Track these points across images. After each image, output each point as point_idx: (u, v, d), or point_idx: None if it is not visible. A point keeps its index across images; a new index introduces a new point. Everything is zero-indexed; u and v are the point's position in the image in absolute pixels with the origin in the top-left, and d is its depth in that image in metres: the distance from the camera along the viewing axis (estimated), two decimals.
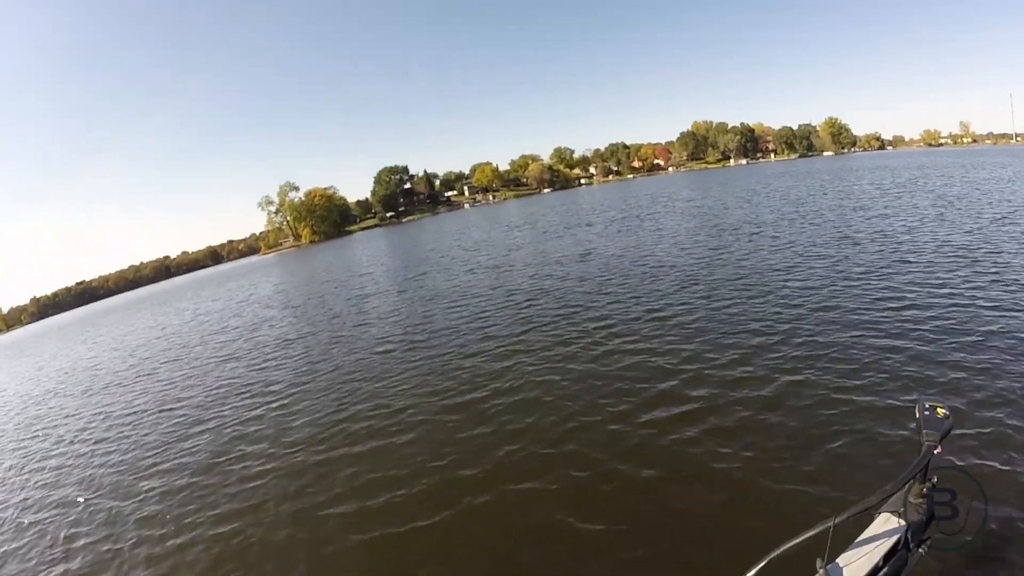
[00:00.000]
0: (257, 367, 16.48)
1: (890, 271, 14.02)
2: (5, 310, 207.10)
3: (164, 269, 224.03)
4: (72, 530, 8.89)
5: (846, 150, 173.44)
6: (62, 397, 20.62)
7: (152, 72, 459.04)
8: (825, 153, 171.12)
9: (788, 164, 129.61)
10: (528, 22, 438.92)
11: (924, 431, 2.49)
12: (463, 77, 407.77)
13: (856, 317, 10.86)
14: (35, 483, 11.77)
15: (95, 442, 13.34)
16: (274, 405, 12.48)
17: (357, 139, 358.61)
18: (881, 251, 16.47)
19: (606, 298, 15.91)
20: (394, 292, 25.60)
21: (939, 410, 2.50)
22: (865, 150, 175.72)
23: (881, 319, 10.51)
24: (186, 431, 12.26)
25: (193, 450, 11.03)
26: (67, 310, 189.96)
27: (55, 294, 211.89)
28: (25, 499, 11.00)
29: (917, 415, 2.52)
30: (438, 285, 24.66)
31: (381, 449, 8.90)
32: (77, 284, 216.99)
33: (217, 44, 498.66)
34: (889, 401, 7.40)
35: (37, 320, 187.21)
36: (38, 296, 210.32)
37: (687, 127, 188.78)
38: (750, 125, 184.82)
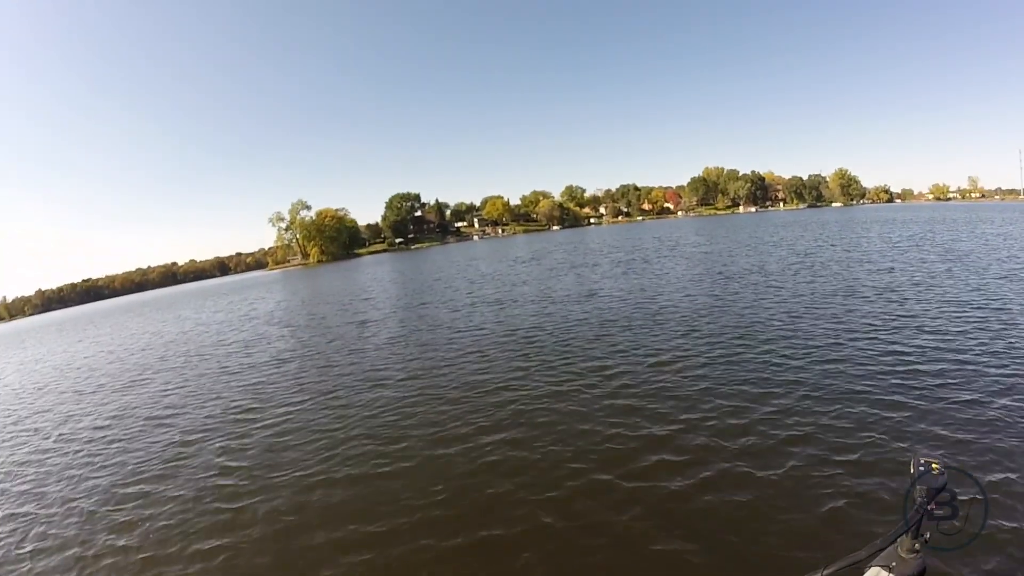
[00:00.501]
0: (250, 385, 16.33)
1: (896, 325, 13.86)
2: (10, 299, 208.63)
3: (171, 275, 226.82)
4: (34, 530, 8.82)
5: (855, 201, 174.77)
6: (52, 393, 20.68)
7: (172, 82, 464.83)
8: (834, 204, 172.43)
9: (797, 213, 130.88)
10: (546, 61, 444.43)
11: (917, 486, 2.42)
12: (478, 111, 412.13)
13: (859, 372, 10.68)
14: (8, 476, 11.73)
15: (74, 442, 13.39)
16: (259, 426, 12.32)
17: (369, 163, 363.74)
18: (887, 306, 16.28)
19: (606, 341, 15.74)
20: (395, 320, 25.50)
21: (934, 465, 2.42)
22: (874, 202, 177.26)
23: (885, 375, 10.34)
24: (168, 445, 12.06)
25: (173, 465, 10.84)
26: (71, 306, 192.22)
27: (60, 289, 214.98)
28: None
29: (912, 469, 2.44)
30: (440, 316, 24.57)
31: (362, 479, 8.75)
32: (83, 282, 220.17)
33: (238, 59, 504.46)
34: (890, 458, 7.29)
35: (40, 312, 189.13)
36: (43, 289, 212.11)
37: (698, 172, 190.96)
38: (760, 173, 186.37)
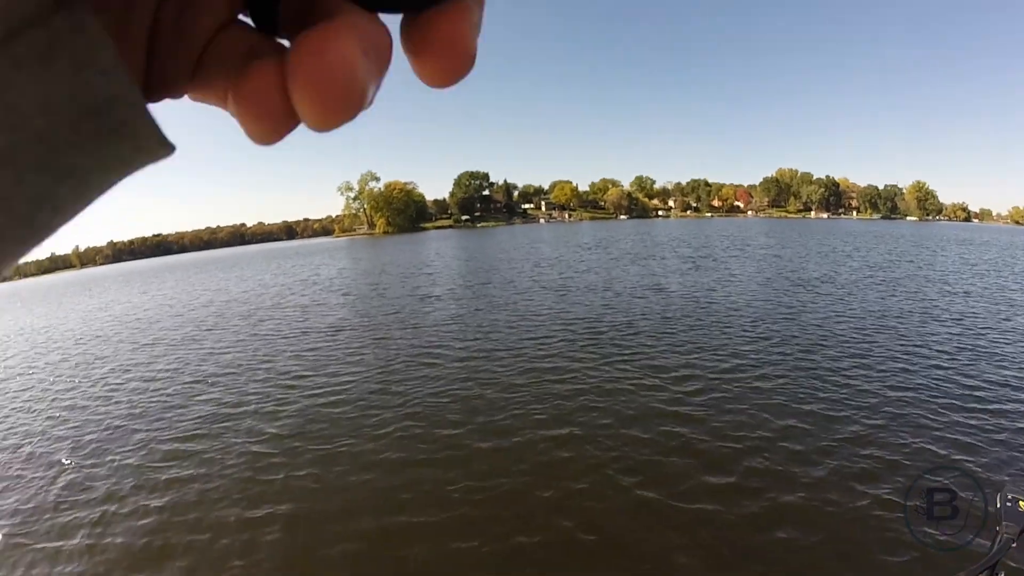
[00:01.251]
0: (300, 352, 16.79)
1: (973, 356, 13.19)
2: (82, 248, 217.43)
3: (239, 236, 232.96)
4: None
5: (930, 217, 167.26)
6: (109, 343, 22.11)
7: None
8: (908, 217, 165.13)
9: (870, 224, 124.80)
10: (624, 52, 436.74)
11: (1003, 522, 2.34)
12: (552, 95, 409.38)
13: (933, 404, 10.17)
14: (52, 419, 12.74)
15: (120, 391, 14.22)
16: (306, 394, 12.55)
17: (440, 139, 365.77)
18: (964, 333, 15.54)
19: (668, 340, 15.51)
20: (455, 298, 25.82)
21: (1021, 503, 2.35)
22: (950, 219, 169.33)
23: (962, 410, 9.81)
24: (213, 405, 12.43)
25: (214, 426, 11.18)
26: (140, 259, 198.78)
27: (131, 242, 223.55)
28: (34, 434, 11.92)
29: (997, 504, 2.41)
30: (501, 297, 24.94)
31: (401, 465, 8.69)
32: (153, 236, 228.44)
33: None
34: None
35: (111, 263, 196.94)
36: (115, 241, 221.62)
37: (771, 172, 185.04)
38: (835, 179, 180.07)
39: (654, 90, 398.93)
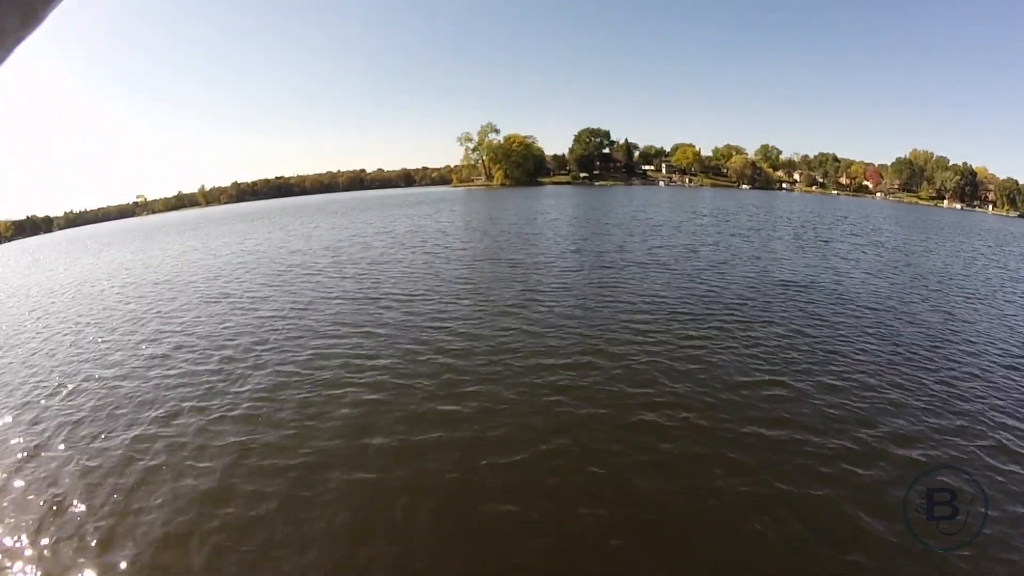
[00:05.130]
0: (399, 304, 17.71)
1: None
2: (208, 187, 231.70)
3: (358, 180, 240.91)
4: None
5: None
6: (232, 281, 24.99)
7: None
8: None
9: (1006, 221, 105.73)
10: (756, 17, 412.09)
11: None
12: (679, 56, 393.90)
13: None
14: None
15: (189, 352, 15.12)
16: (396, 348, 13.61)
17: (562, 94, 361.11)
18: None
19: (781, 328, 15.04)
20: (565, 261, 25.52)
21: None
22: None
23: None
24: (282, 350, 13.85)
25: (278, 371, 12.57)
26: (263, 199, 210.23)
27: (254, 183, 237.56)
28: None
29: None
30: (611, 262, 24.68)
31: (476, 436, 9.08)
32: (276, 178, 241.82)
33: None
34: None
35: (234, 202, 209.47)
36: (239, 182, 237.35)
37: (904, 152, 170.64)
38: (972, 167, 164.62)
39: (786, 54, 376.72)
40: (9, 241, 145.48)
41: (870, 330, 14.90)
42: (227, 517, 7.45)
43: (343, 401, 10.81)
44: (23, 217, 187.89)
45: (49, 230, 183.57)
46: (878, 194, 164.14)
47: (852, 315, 16.31)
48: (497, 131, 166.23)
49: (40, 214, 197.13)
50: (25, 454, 9.72)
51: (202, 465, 8.80)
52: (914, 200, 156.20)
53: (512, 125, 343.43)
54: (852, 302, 17.95)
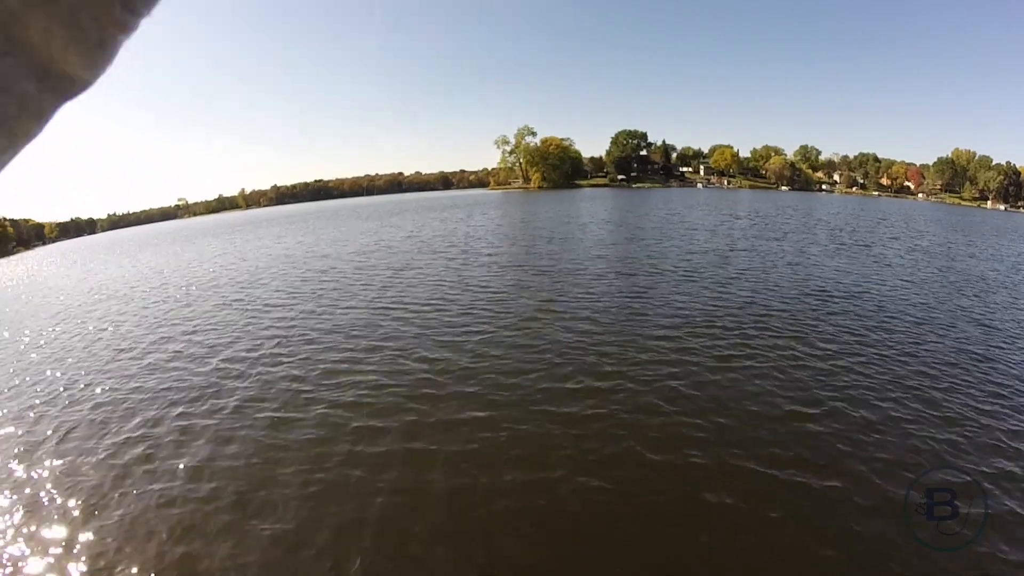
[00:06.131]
0: (412, 316, 17.32)
1: None
2: (248, 191, 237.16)
3: (396, 183, 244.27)
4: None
5: None
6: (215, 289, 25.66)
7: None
8: None
9: None
10: (789, 12, 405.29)
11: None
12: (718, 53, 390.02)
13: None
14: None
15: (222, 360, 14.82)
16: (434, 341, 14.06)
17: (596, 97, 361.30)
18: None
19: (820, 339, 14.04)
20: (603, 262, 25.76)
21: None
22: None
23: None
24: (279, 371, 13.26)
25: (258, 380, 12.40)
26: (301, 201, 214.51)
27: (293, 186, 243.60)
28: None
29: None
30: (647, 265, 24.64)
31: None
32: (315, 181, 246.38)
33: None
34: None
35: (274, 205, 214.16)
36: (279, 185, 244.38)
37: (946, 152, 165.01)
38: (1016, 166, 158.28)
39: (825, 54, 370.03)
40: (54, 242, 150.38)
41: (901, 341, 14.06)
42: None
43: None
44: (67, 219, 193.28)
45: (92, 232, 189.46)
46: (920, 195, 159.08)
47: (883, 328, 15.23)
48: (534, 133, 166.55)
49: (84, 216, 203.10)
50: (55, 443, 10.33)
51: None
52: (956, 201, 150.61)
53: (549, 128, 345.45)
54: (885, 310, 17.19)
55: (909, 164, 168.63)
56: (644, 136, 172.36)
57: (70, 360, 15.88)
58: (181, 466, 8.91)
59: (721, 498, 7.31)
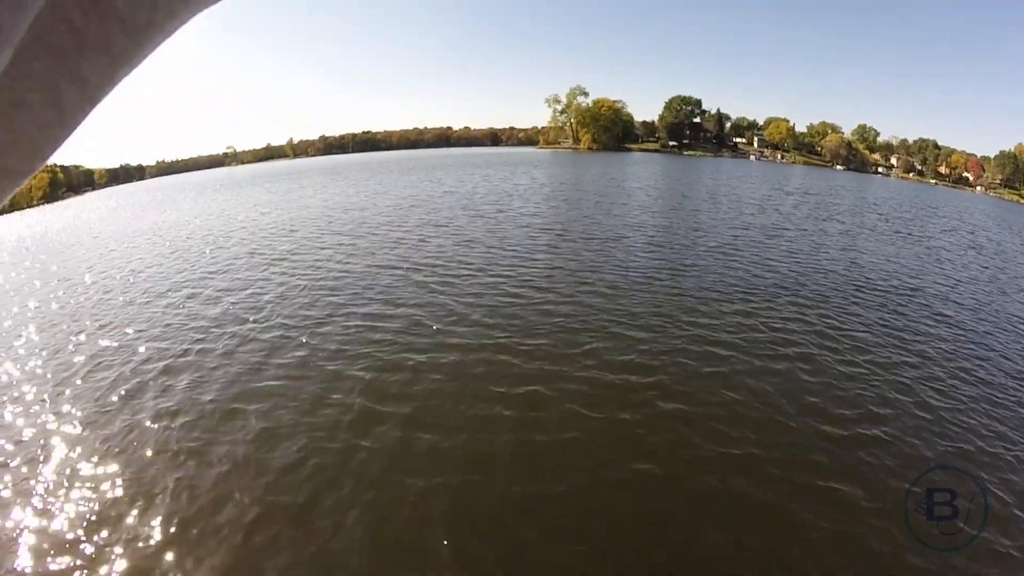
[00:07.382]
0: (477, 262, 18.65)
1: None
2: (296, 140, 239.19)
3: (444, 138, 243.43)
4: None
5: None
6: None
7: None
8: None
9: None
10: None
11: None
12: (779, 22, 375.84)
13: None
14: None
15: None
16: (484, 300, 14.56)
17: (653, 59, 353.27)
18: None
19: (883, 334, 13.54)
20: (651, 233, 25.30)
21: None
22: None
23: None
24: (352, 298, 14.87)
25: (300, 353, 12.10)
26: (349, 152, 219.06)
27: (341, 137, 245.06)
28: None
29: None
30: (699, 242, 23.77)
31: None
32: (363, 133, 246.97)
33: None
34: None
35: (321, 155, 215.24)
36: (326, 136, 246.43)
37: (1010, 146, 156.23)
38: None
39: (892, 32, 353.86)
40: (104, 187, 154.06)
41: (922, 341, 13.39)
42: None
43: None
44: (117, 166, 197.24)
45: (142, 178, 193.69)
46: (978, 188, 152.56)
47: (910, 328, 14.33)
48: (586, 94, 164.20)
49: (134, 163, 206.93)
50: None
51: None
52: (1016, 198, 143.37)
53: (601, 89, 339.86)
54: (928, 307, 16.46)
55: (969, 155, 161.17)
56: (698, 103, 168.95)
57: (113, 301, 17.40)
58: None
59: (712, 493, 7.22)
